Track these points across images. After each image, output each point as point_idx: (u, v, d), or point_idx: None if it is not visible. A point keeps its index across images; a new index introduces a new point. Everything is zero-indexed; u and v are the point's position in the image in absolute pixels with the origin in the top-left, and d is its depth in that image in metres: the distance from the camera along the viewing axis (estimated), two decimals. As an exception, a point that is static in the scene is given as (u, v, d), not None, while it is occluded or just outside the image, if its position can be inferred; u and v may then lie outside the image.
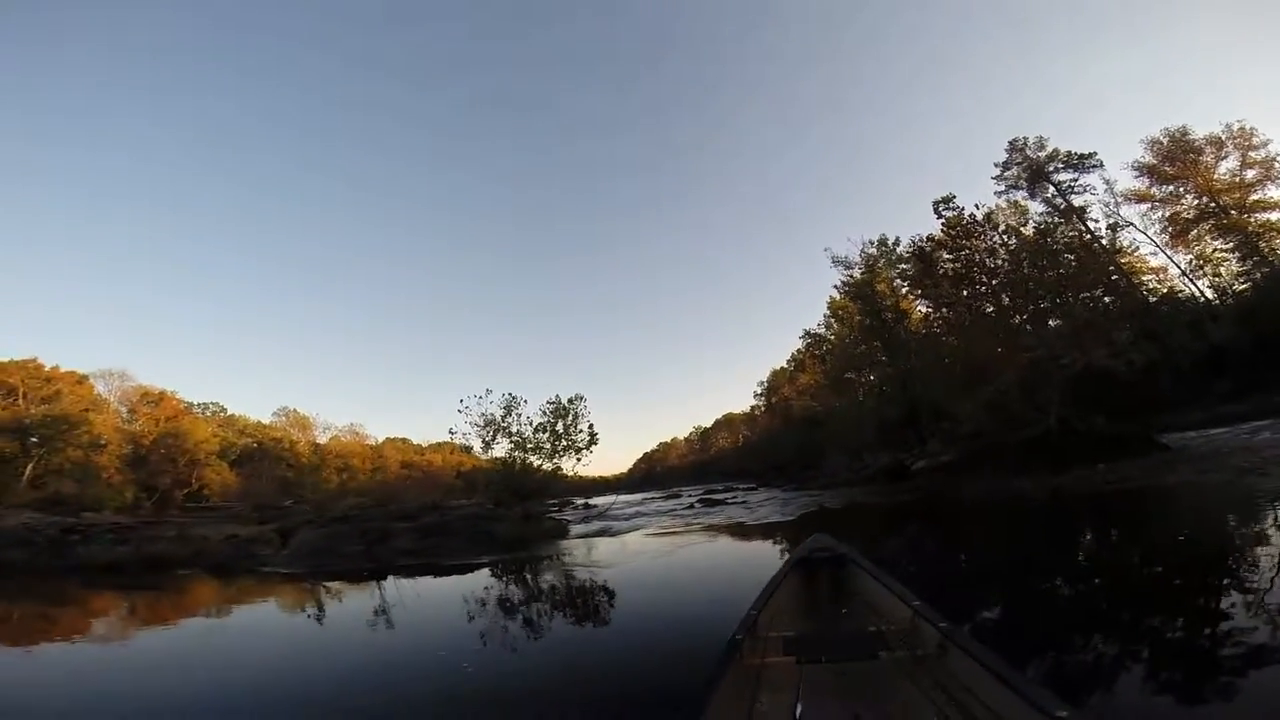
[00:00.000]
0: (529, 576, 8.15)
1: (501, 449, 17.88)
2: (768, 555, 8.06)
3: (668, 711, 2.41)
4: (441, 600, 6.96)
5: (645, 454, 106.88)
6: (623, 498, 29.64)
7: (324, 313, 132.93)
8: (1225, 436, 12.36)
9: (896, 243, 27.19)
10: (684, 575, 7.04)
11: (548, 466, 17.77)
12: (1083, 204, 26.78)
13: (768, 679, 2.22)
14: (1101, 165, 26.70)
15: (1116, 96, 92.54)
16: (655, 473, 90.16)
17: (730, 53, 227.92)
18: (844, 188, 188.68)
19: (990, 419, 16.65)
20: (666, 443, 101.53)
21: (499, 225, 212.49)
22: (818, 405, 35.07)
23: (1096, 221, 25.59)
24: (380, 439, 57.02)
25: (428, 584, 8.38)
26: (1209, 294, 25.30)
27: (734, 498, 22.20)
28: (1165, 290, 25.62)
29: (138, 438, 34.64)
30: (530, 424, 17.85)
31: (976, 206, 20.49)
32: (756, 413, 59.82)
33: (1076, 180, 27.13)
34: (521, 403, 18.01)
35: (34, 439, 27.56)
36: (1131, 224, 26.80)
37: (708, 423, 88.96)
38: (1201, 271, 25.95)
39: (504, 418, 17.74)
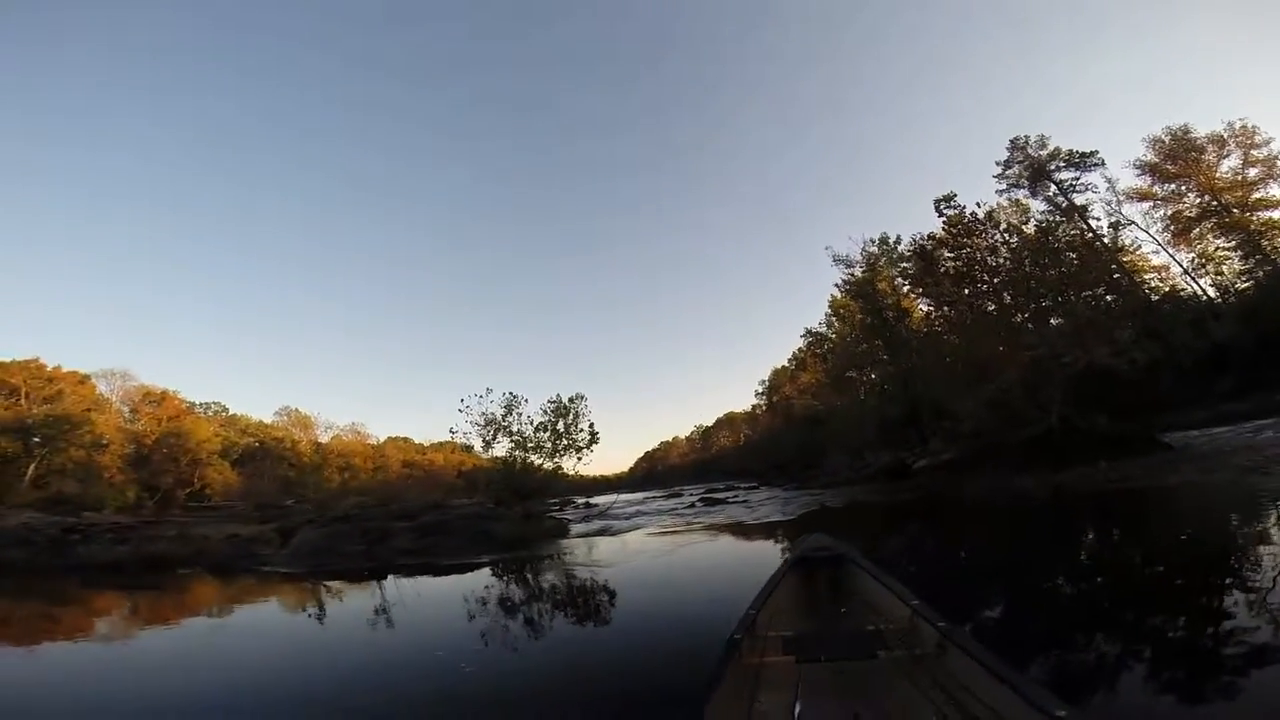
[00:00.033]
0: (529, 576, 8.16)
1: (502, 448, 17.92)
2: (769, 554, 8.05)
3: (668, 711, 2.42)
4: (441, 600, 6.97)
5: (646, 453, 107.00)
6: (624, 497, 29.61)
7: (325, 312, 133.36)
8: (1228, 435, 12.33)
9: (898, 241, 27.27)
10: (685, 574, 7.04)
11: (548, 466, 17.77)
12: (1084, 202, 26.76)
13: (767, 678, 2.22)
14: (1103, 164, 26.66)
15: (1117, 95, 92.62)
16: (656, 472, 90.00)
17: (730, 53, 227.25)
18: (844, 187, 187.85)
19: (992, 418, 16.63)
20: (668, 441, 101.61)
21: (499, 224, 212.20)
22: (819, 404, 35.09)
23: (1098, 220, 25.67)
24: (382, 438, 57.04)
25: (427, 583, 8.38)
26: (1211, 292, 25.23)
27: (735, 497, 22.18)
28: (1167, 289, 25.58)
29: (140, 437, 34.74)
30: (531, 423, 17.88)
31: (978, 205, 20.54)
32: (758, 411, 59.82)
33: (1078, 179, 27.08)
34: (522, 402, 18.04)
35: (36, 439, 27.65)
36: (1133, 222, 26.81)
37: (709, 421, 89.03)
38: (1204, 270, 25.89)
39: (505, 417, 17.76)
